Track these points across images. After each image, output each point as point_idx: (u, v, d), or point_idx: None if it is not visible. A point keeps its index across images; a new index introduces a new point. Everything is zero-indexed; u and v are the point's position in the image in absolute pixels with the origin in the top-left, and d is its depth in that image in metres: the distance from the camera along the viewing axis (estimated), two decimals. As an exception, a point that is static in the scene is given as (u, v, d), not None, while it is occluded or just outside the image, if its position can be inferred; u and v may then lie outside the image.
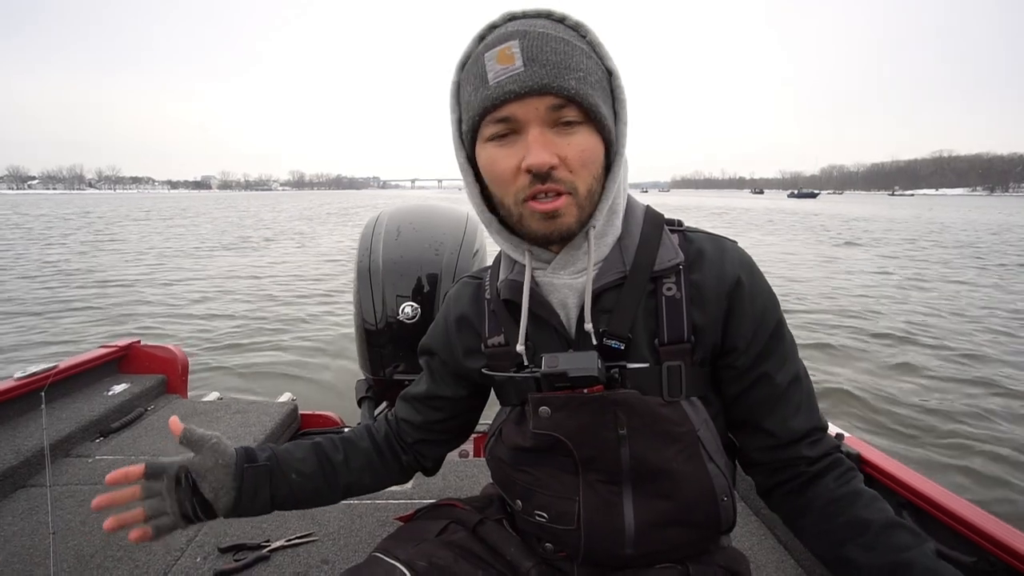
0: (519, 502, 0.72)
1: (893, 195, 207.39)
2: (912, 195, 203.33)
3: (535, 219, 0.59)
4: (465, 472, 1.59)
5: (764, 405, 0.66)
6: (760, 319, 0.65)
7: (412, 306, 1.57)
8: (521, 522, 0.76)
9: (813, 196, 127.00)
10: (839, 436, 1.42)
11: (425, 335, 0.81)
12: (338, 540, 1.26)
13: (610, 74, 0.60)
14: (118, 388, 1.94)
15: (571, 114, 0.55)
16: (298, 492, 0.73)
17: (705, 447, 0.65)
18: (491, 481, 0.84)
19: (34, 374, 1.70)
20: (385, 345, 1.60)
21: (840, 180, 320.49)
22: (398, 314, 1.57)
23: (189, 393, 2.20)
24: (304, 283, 7.87)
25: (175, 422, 0.68)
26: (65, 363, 1.86)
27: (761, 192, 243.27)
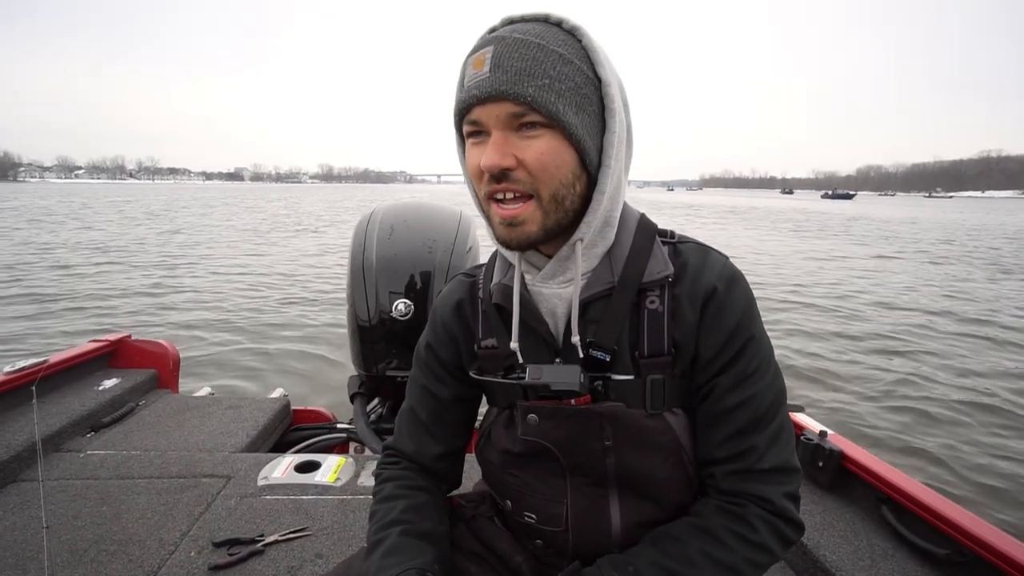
0: (509, 503, 0.74)
1: (930, 197, 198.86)
2: (951, 197, 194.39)
3: (497, 223, 0.61)
4: None
5: (705, 418, 0.65)
6: (731, 332, 0.63)
7: (405, 303, 1.57)
8: (512, 520, 0.78)
9: (849, 197, 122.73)
10: (822, 433, 1.35)
11: (422, 335, 0.81)
12: (332, 534, 1.25)
13: (601, 82, 0.59)
14: (108, 383, 1.92)
15: (533, 119, 0.56)
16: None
17: (688, 454, 0.67)
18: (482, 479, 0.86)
19: (23, 368, 1.69)
20: (378, 341, 1.61)
21: (877, 181, 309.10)
22: (391, 311, 1.58)
23: (180, 388, 2.17)
24: (302, 277, 7.92)
25: None
26: (54, 358, 1.84)
27: (791, 192, 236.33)
